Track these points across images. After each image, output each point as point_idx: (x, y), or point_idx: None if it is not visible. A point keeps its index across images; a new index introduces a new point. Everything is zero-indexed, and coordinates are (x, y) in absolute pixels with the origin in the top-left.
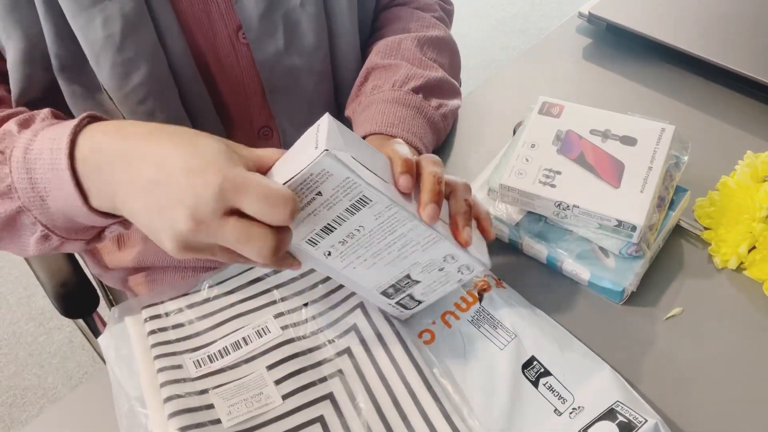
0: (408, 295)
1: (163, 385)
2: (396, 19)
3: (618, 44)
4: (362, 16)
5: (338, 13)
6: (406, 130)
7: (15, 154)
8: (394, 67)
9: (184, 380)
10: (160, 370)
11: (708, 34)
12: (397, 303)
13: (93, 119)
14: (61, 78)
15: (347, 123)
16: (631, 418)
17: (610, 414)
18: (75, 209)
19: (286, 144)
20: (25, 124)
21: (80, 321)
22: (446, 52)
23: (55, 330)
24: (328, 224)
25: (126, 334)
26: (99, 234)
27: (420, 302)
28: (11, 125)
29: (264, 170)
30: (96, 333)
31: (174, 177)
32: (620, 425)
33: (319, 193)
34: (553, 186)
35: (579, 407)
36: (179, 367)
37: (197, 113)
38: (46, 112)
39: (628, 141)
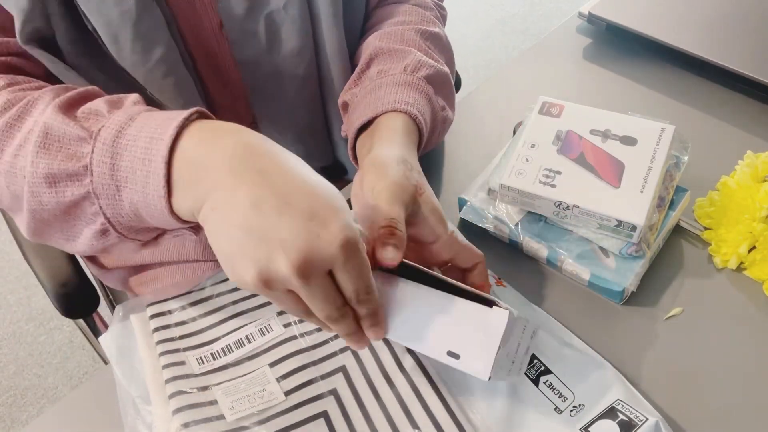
0: None
1: (167, 381)
2: (397, 13)
3: (618, 44)
4: (349, 23)
5: (322, 18)
6: (420, 112)
7: (103, 134)
8: (402, 52)
9: (188, 376)
10: (165, 366)
11: (708, 34)
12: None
13: (201, 115)
14: (79, 67)
15: (337, 114)
16: (632, 416)
17: (610, 412)
18: (151, 207)
19: None
20: (115, 104)
21: (80, 321)
22: (445, 52)
23: (56, 330)
24: None
25: (130, 332)
26: (157, 237)
27: None
28: (99, 104)
29: None
30: (96, 333)
31: (296, 215)
32: (621, 424)
33: None
34: (553, 186)
35: (579, 405)
36: (183, 363)
37: (187, 103)
38: (135, 96)
39: (628, 141)
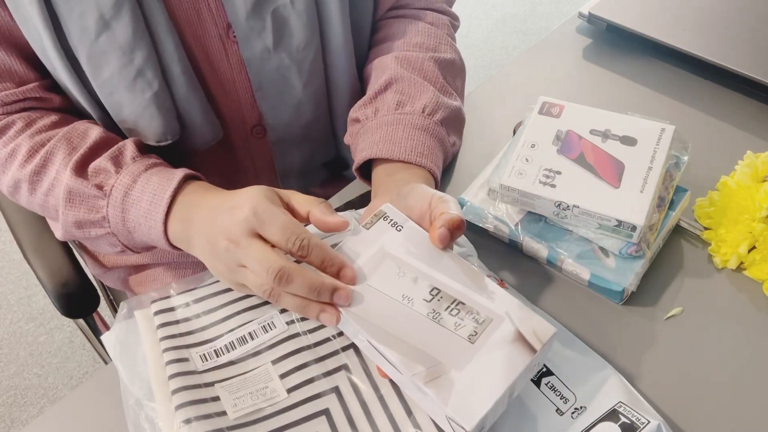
0: None
1: (170, 377)
2: (413, 33)
3: (618, 44)
4: (356, 19)
5: (329, 13)
6: (433, 162)
7: (114, 194)
8: (421, 87)
9: (191, 373)
10: (168, 362)
11: (708, 34)
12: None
13: (188, 178)
14: (71, 70)
15: (341, 110)
16: (633, 419)
17: (612, 415)
18: (157, 244)
19: (277, 142)
20: (117, 162)
21: (81, 321)
22: (459, 78)
23: (56, 330)
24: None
25: (134, 329)
26: None
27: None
28: (104, 162)
29: (297, 213)
30: (96, 333)
31: (223, 212)
32: (623, 426)
33: None
34: (553, 186)
35: (581, 407)
36: (186, 360)
37: (192, 110)
38: (132, 148)
39: (628, 141)
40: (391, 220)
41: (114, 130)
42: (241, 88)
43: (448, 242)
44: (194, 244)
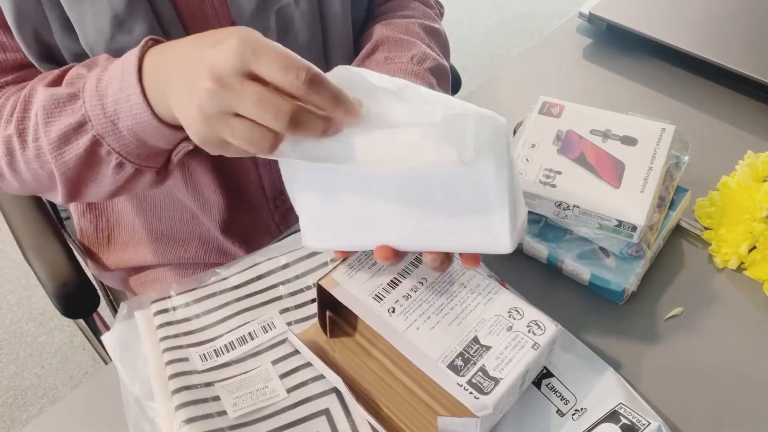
0: (480, 369)
1: (171, 377)
2: (404, 7)
3: (618, 44)
4: (355, 15)
5: (332, 11)
6: None
7: (87, 85)
8: (408, 43)
9: (191, 373)
10: (168, 362)
11: (708, 34)
12: (470, 383)
13: (155, 42)
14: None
15: None
16: (634, 420)
17: (613, 416)
18: (144, 124)
19: None
20: (91, 65)
21: (81, 321)
22: (443, 48)
23: (56, 330)
24: (395, 278)
25: (134, 329)
26: (167, 164)
27: (496, 381)
28: (78, 69)
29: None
30: (96, 333)
31: (203, 48)
32: (623, 427)
33: None
34: (553, 186)
35: (582, 408)
36: (186, 360)
37: None
38: (107, 55)
39: (629, 141)
40: None
41: None
42: None
43: None
44: (170, 94)
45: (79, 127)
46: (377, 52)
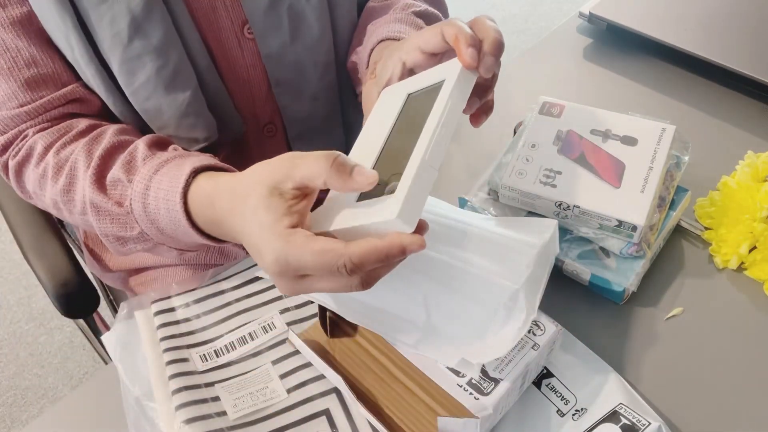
0: (480, 369)
1: (171, 377)
2: None
3: (618, 44)
4: (360, 5)
5: (340, 4)
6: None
7: (135, 207)
8: (390, 4)
9: (191, 373)
10: (169, 363)
11: (708, 34)
12: (469, 384)
13: (197, 172)
14: (105, 78)
15: (351, 101)
16: (634, 420)
17: (613, 416)
18: (200, 242)
19: (290, 140)
20: (130, 170)
21: (81, 321)
22: (437, 5)
23: (56, 330)
24: None
25: (134, 329)
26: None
27: (495, 382)
28: (118, 173)
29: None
30: (97, 333)
31: (251, 249)
32: (624, 428)
33: None
34: (553, 186)
35: (582, 409)
36: (186, 360)
37: (216, 106)
38: (143, 148)
39: (629, 141)
40: None
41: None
42: (256, 86)
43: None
44: (244, 244)
45: (140, 238)
46: (367, 24)
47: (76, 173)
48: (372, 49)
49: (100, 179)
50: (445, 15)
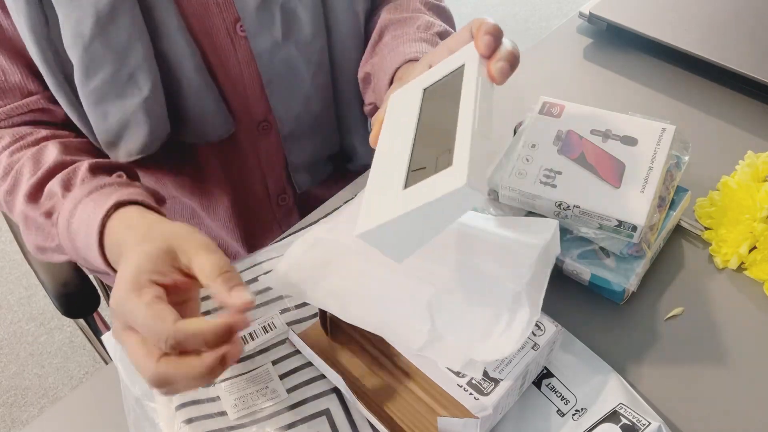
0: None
1: None
2: None
3: (618, 44)
4: (361, 10)
5: (335, 4)
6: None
7: (60, 222)
8: (412, 18)
9: None
10: None
11: (708, 34)
12: (469, 384)
13: (117, 206)
14: (63, 83)
15: (347, 100)
16: (634, 420)
17: (613, 416)
18: (105, 270)
19: (288, 136)
20: (66, 186)
21: (81, 321)
22: (450, 23)
23: (56, 330)
24: None
25: None
26: None
27: (495, 382)
28: (55, 186)
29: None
30: (97, 333)
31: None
32: (624, 428)
33: None
34: (553, 186)
35: (582, 409)
36: None
37: (204, 106)
38: (84, 170)
39: (629, 141)
40: None
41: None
42: (249, 83)
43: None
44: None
45: (57, 249)
46: (384, 37)
47: (21, 178)
48: (398, 68)
49: (37, 191)
50: (453, 29)
